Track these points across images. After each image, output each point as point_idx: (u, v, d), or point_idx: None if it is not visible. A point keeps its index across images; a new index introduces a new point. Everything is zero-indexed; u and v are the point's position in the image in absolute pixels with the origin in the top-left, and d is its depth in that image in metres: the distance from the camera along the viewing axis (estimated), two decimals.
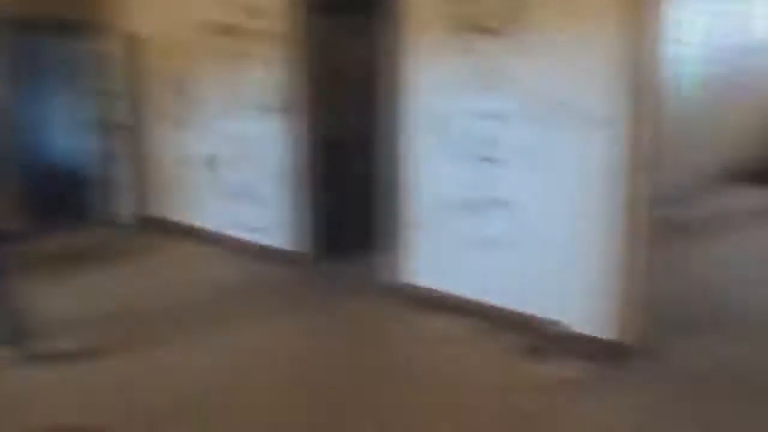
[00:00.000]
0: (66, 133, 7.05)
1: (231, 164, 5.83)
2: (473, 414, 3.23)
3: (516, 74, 3.91)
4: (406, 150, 4.48)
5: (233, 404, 3.32)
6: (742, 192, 7.38)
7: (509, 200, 4.05)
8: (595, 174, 3.70)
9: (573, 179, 3.78)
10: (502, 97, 3.97)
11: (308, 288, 5.02)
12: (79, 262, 5.55)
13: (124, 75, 6.45)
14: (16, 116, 5.96)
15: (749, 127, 8.34)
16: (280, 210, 5.49)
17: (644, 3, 3.52)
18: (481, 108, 4.08)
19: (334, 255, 5.39)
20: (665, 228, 4.16)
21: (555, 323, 3.93)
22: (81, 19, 6.29)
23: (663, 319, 3.92)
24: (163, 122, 6.38)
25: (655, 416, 3.21)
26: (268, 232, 5.59)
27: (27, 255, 5.14)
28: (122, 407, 3.28)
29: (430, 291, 4.49)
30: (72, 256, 5.75)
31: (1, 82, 5.82)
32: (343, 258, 5.35)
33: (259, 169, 5.59)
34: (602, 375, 3.59)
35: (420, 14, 4.27)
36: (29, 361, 3.69)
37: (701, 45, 7.09)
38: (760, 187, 7.49)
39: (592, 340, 3.80)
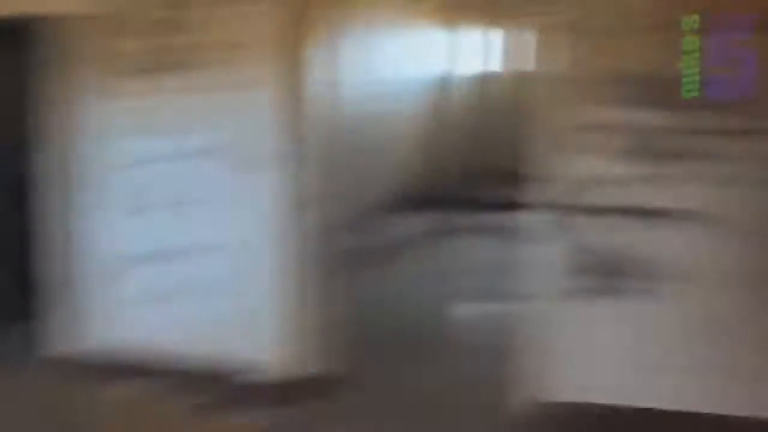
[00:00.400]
0: None
1: None
2: None
3: (186, 116, 3.77)
4: (68, 202, 4.02)
5: None
6: (411, 217, 7.69)
7: (184, 249, 3.81)
8: (268, 212, 3.70)
9: (247, 220, 3.74)
10: (169, 139, 3.81)
11: None
12: None
13: None
14: None
15: (414, 158, 8.83)
16: None
17: (306, 43, 3.65)
18: (139, 154, 3.84)
19: None
20: (346, 258, 4.15)
21: (245, 371, 3.70)
22: None
23: (357, 349, 3.86)
24: None
25: None
26: None
27: None
28: None
29: (104, 355, 3.93)
30: None
31: None
32: None
33: None
34: (299, 417, 3.42)
35: (83, 53, 3.90)
36: None
37: (368, 83, 7.18)
38: (426, 212, 7.89)
39: (288, 383, 3.64)
